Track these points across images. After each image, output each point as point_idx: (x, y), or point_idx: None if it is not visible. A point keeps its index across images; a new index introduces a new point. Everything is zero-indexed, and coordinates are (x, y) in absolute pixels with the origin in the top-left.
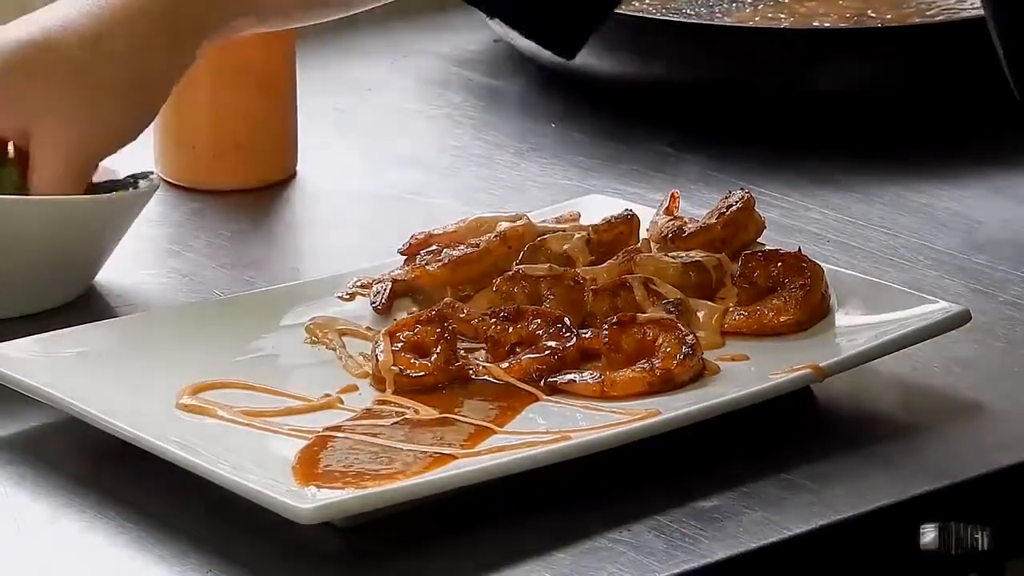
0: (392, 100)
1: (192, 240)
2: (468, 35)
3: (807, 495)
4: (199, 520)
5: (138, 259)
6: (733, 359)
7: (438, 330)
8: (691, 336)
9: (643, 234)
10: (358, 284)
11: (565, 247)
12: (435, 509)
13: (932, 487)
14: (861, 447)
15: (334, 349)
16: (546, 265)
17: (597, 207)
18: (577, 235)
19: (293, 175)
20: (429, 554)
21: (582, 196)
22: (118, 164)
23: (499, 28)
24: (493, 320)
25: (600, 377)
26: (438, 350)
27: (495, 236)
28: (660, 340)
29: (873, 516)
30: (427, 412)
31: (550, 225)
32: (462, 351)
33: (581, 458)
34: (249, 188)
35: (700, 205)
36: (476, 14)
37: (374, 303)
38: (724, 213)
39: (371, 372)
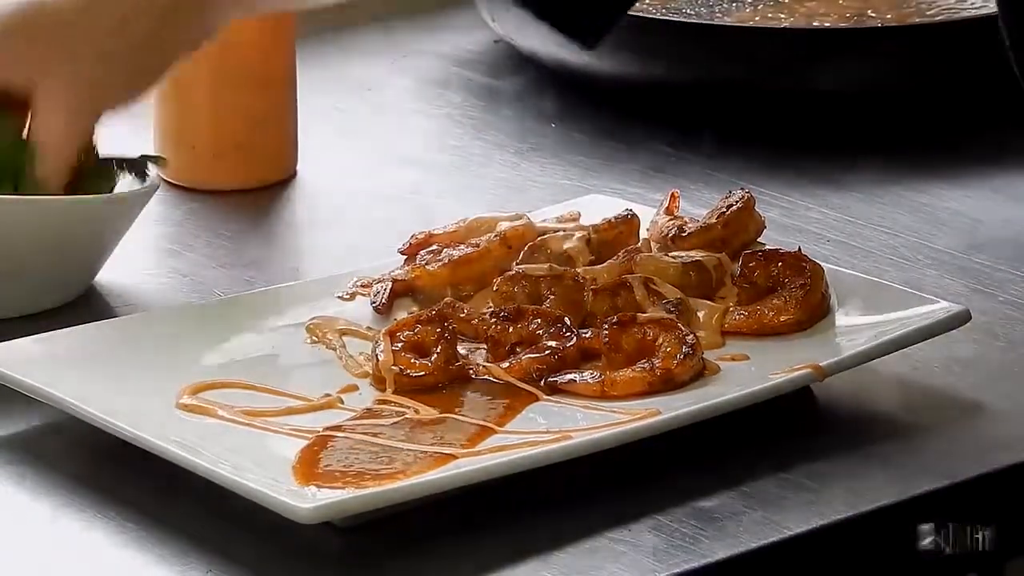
0: (392, 100)
1: (192, 240)
2: (468, 35)
3: (807, 495)
4: (199, 520)
5: (138, 259)
6: (733, 359)
7: (438, 330)
8: (691, 336)
9: (643, 234)
10: (358, 284)
11: (565, 247)
12: (435, 509)
13: (932, 487)
14: (861, 447)
15: (334, 349)
16: (546, 265)
17: (597, 207)
18: (577, 235)
19: (293, 175)
20: (429, 554)
21: (582, 196)
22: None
23: (499, 28)
24: (493, 320)
25: (600, 377)
26: (438, 350)
27: (495, 236)
28: (660, 340)
29: (873, 516)
30: (427, 412)
31: (550, 225)
32: (462, 351)
33: (581, 458)
34: (249, 188)
35: (700, 205)
36: (476, 14)
37: (374, 303)
38: (724, 213)
39: (371, 372)
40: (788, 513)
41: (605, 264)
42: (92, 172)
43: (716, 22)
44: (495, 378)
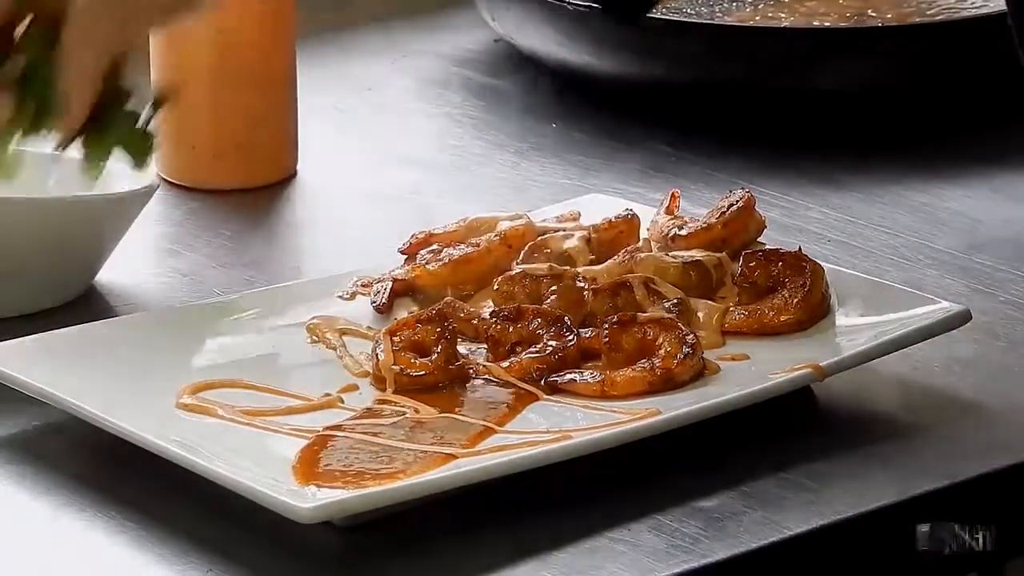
0: (392, 100)
1: (192, 240)
2: (468, 35)
3: (807, 495)
4: (199, 519)
5: (138, 259)
6: (733, 358)
7: (438, 329)
8: (691, 335)
9: (643, 234)
10: (359, 283)
11: (565, 247)
12: (435, 509)
13: (932, 487)
14: (861, 447)
15: (334, 348)
16: (546, 265)
17: (597, 207)
18: (577, 235)
19: (293, 175)
20: (429, 554)
21: (582, 196)
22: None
23: (499, 28)
24: (493, 320)
25: (600, 376)
26: (438, 349)
27: (495, 236)
28: (660, 339)
29: (873, 516)
30: (427, 411)
31: (550, 225)
32: (462, 351)
33: (581, 458)
34: (249, 188)
35: (700, 205)
36: (476, 14)
37: (375, 302)
38: (725, 212)
39: (371, 371)
40: (788, 513)
41: (605, 264)
42: (115, 106)
43: (716, 22)
44: (495, 378)
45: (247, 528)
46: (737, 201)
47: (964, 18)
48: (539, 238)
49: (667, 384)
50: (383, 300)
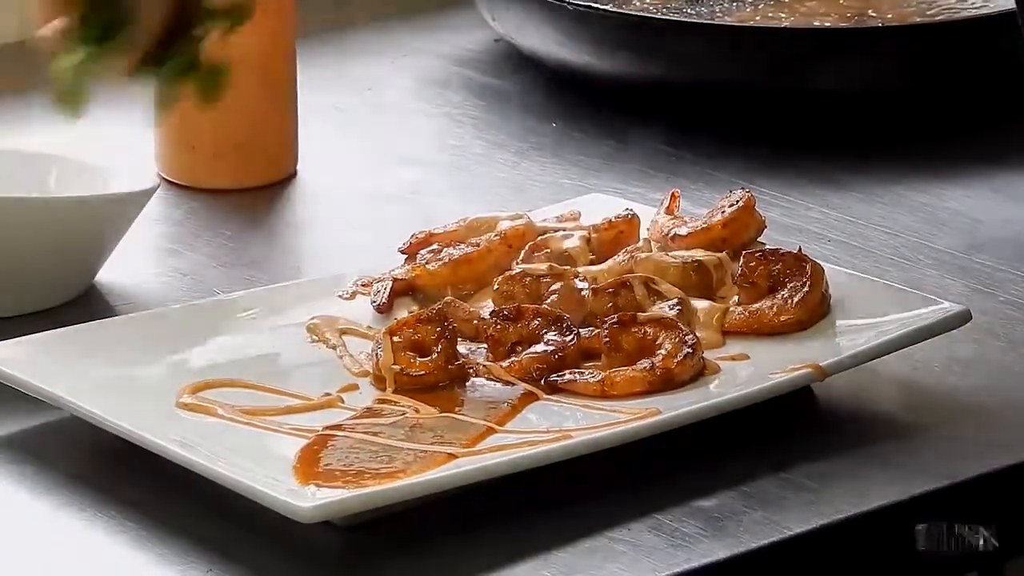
0: (392, 100)
1: (192, 240)
2: (468, 35)
3: (807, 495)
4: (199, 519)
5: (138, 259)
6: (733, 358)
7: (438, 329)
8: (691, 335)
9: (643, 233)
10: (359, 283)
11: (565, 246)
12: (435, 509)
13: (932, 487)
14: (861, 447)
15: (335, 348)
16: (546, 264)
17: (597, 206)
18: (577, 234)
19: (293, 175)
20: (429, 554)
21: (582, 195)
22: (118, 164)
23: (499, 28)
24: (493, 319)
25: (600, 376)
26: (439, 349)
27: (496, 235)
28: (660, 339)
29: (873, 516)
30: (427, 411)
31: (550, 224)
32: (462, 350)
33: (581, 457)
34: (249, 188)
35: (700, 205)
36: (476, 14)
37: (375, 302)
38: (725, 212)
39: (371, 371)
40: (788, 513)
41: (605, 264)
42: (190, 29)
43: (716, 22)
44: (495, 377)
45: (247, 528)
46: (737, 201)
47: (964, 18)
48: (539, 238)
49: (667, 384)
50: (383, 300)
